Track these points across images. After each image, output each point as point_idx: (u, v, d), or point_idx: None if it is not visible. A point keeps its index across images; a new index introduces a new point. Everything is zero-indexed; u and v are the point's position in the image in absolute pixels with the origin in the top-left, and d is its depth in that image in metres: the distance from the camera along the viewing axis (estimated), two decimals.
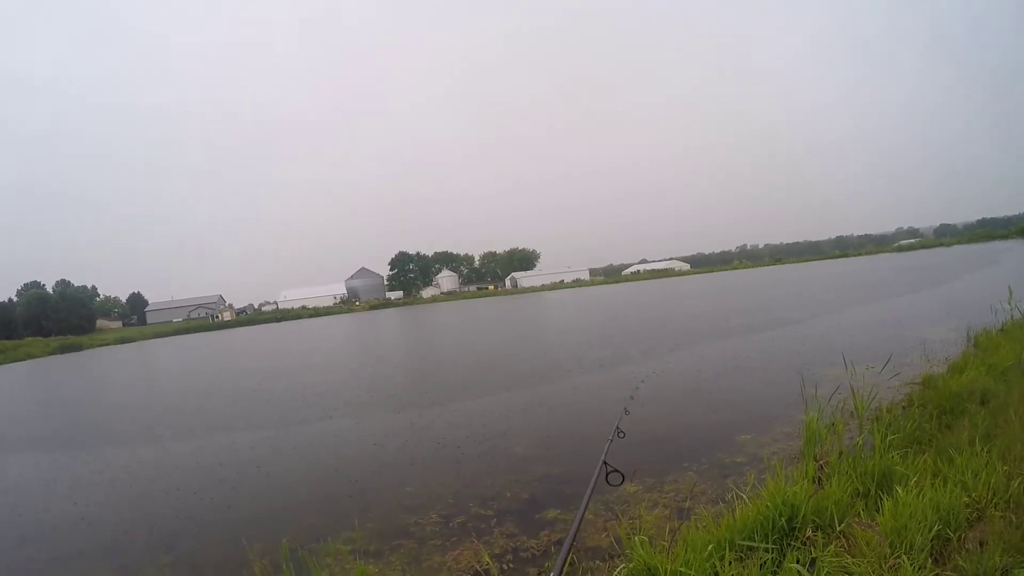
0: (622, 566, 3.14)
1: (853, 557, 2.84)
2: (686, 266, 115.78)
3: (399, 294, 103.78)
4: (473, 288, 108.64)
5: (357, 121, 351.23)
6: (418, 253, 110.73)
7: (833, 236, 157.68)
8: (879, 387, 6.29)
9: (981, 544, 2.82)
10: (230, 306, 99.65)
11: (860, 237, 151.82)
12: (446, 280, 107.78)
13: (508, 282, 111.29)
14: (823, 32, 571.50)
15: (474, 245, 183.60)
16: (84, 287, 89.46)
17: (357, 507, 5.81)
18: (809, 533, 3.14)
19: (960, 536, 2.98)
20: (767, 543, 3.11)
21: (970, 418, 4.83)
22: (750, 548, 3.11)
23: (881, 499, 3.42)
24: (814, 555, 2.91)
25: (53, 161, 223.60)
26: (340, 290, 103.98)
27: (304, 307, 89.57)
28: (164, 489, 7.36)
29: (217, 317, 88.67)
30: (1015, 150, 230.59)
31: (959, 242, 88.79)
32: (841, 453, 4.47)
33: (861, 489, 3.76)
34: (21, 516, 7.06)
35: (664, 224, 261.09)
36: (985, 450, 3.83)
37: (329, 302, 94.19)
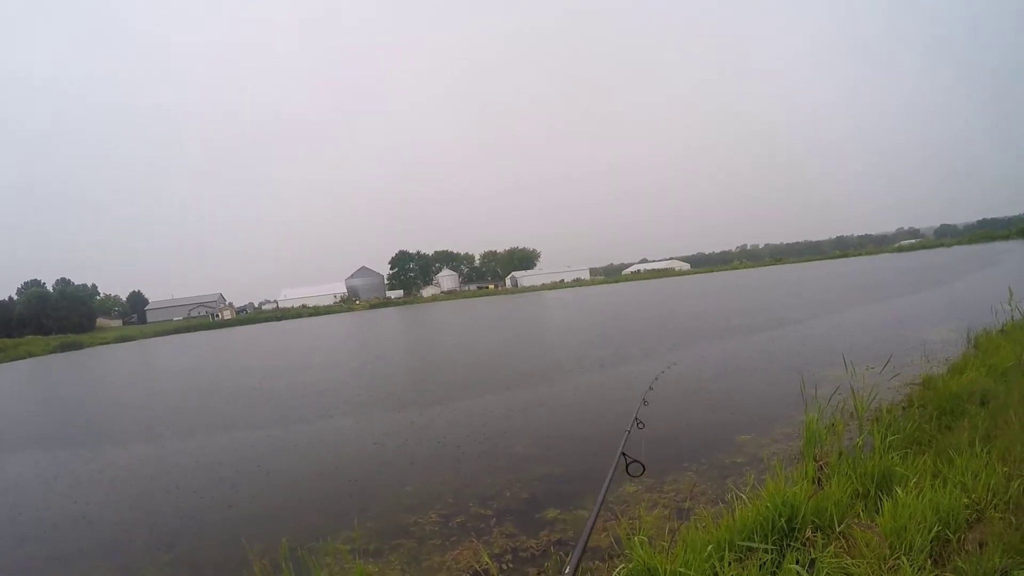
0: (622, 566, 3.15)
1: (853, 558, 2.84)
2: (686, 266, 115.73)
3: (399, 293, 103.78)
4: (473, 287, 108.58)
5: (357, 121, 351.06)
6: (418, 252, 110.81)
7: (833, 236, 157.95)
8: (879, 388, 6.31)
9: (981, 545, 2.82)
10: (230, 305, 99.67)
11: (860, 237, 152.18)
12: (446, 279, 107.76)
13: (508, 281, 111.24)
14: (823, 32, 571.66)
15: (474, 245, 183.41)
16: (84, 286, 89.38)
17: (357, 506, 5.81)
18: (809, 534, 3.15)
19: (960, 537, 2.98)
20: (767, 544, 3.11)
21: (970, 419, 4.82)
22: (750, 549, 3.11)
23: (881, 500, 3.43)
24: (814, 556, 2.91)
25: (53, 161, 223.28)
26: (340, 289, 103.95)
27: (304, 306, 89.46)
28: (164, 488, 7.36)
29: (217, 316, 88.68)
30: (1015, 150, 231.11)
31: (959, 242, 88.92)
32: (841, 454, 4.47)
33: (861, 490, 3.76)
34: (21, 515, 7.06)
35: (664, 224, 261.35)
36: (985, 451, 3.83)
37: (329, 301, 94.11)
